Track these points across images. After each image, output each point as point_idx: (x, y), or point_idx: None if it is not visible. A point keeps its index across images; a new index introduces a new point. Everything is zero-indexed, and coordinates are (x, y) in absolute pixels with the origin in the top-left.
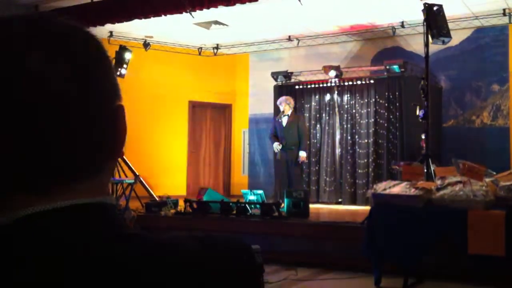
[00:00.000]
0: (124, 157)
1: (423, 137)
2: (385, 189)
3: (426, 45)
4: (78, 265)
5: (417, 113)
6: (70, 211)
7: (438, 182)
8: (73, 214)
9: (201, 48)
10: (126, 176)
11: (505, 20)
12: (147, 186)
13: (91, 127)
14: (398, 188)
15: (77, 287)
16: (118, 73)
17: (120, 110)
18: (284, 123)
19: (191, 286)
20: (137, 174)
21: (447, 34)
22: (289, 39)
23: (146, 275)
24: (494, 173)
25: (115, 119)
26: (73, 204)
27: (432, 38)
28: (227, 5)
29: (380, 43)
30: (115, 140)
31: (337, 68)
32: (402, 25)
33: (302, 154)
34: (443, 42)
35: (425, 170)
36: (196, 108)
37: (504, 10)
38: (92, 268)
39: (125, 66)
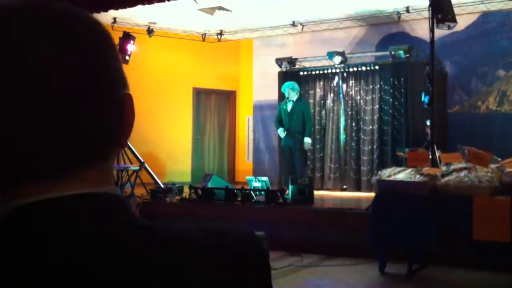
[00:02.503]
0: (129, 144)
1: (428, 123)
2: (389, 176)
3: (432, 30)
4: (79, 256)
5: (422, 99)
6: (77, 200)
7: (443, 168)
8: (79, 203)
9: (205, 34)
10: (131, 163)
11: None
12: (152, 173)
13: (98, 115)
14: (403, 174)
15: (78, 278)
16: (122, 60)
17: (128, 98)
18: (288, 109)
19: (199, 276)
20: (142, 160)
21: (453, 19)
22: (293, 24)
23: (154, 266)
24: (500, 159)
25: (122, 108)
26: (80, 194)
27: (438, 23)
28: None
29: (385, 29)
30: (122, 128)
31: (341, 54)
32: (407, 10)
33: (307, 141)
34: (449, 27)
35: (430, 157)
36: (201, 95)
37: None
38: (96, 258)
39: (129, 52)
